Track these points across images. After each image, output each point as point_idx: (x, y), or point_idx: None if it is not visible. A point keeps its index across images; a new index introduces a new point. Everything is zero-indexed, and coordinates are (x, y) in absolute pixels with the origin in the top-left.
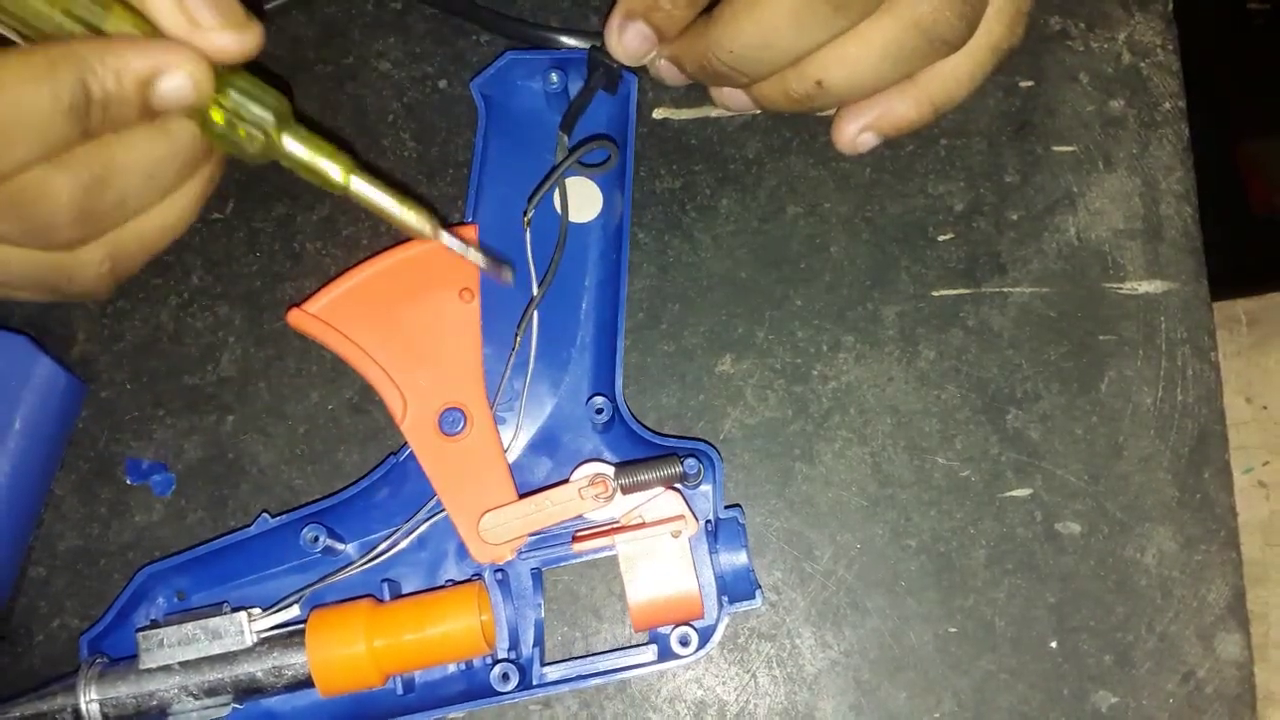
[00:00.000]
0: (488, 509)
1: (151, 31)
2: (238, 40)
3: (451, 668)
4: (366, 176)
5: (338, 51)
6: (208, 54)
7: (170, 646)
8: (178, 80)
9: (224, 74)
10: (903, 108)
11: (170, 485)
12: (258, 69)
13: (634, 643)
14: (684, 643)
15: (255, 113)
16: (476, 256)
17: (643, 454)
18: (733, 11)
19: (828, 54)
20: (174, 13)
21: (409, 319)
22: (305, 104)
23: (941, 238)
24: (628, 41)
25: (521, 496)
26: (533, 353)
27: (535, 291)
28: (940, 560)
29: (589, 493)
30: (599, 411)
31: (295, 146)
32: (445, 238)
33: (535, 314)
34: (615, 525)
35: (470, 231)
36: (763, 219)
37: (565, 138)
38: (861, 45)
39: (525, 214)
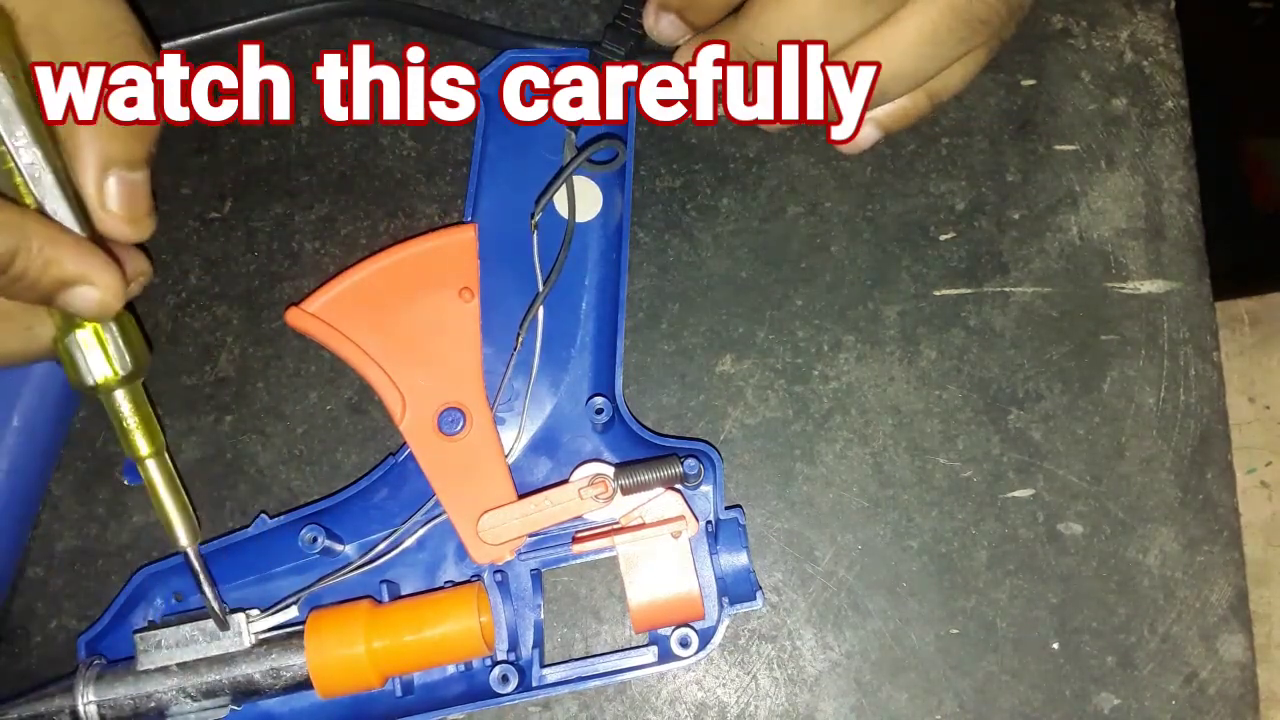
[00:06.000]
0: (487, 509)
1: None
2: (125, 232)
3: (451, 669)
4: (164, 466)
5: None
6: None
7: (168, 648)
8: (89, 295)
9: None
10: (901, 98)
11: None
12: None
13: (634, 644)
14: (684, 644)
15: (110, 356)
16: (209, 594)
17: (643, 454)
18: (762, 5)
19: (864, 46)
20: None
21: (408, 318)
22: (304, 104)
23: (943, 237)
24: (662, 29)
25: (521, 497)
26: (536, 353)
27: (540, 289)
28: (942, 561)
29: (589, 493)
30: (599, 412)
31: (123, 403)
32: (192, 558)
33: (539, 314)
34: (615, 526)
35: (470, 231)
36: (763, 218)
37: (573, 136)
38: (898, 34)
39: (533, 216)
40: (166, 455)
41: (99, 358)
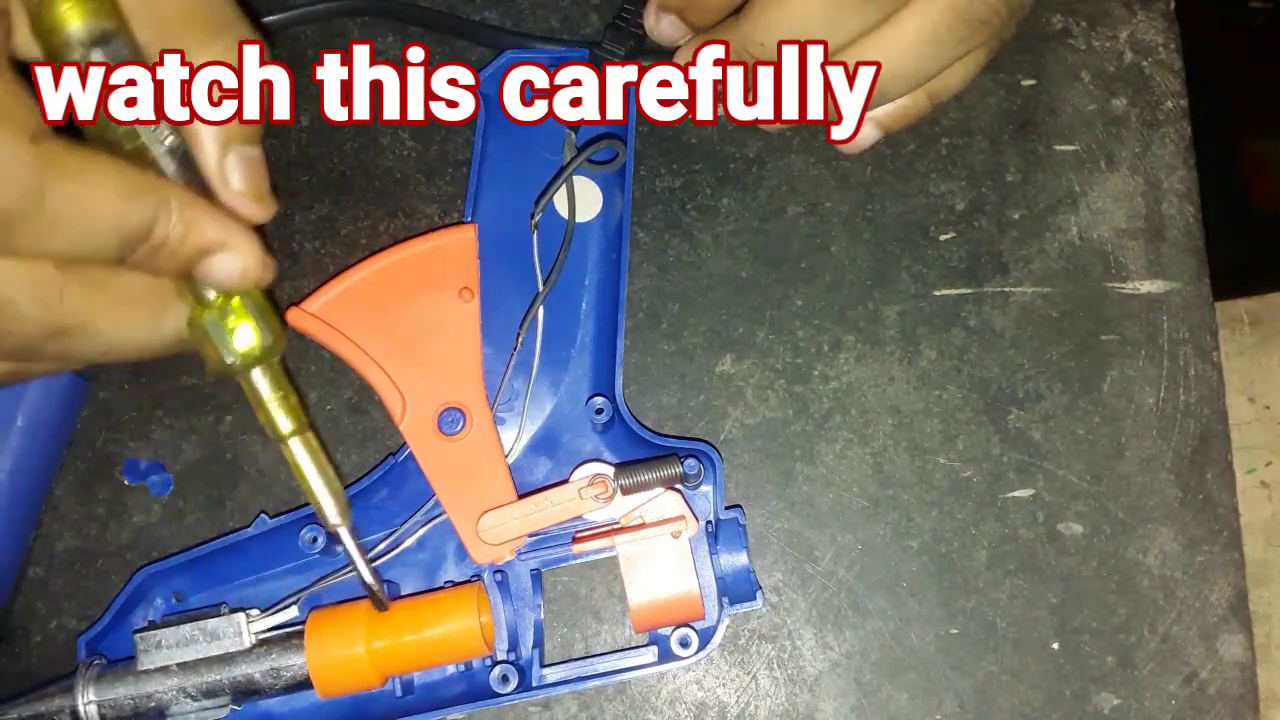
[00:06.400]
0: (487, 509)
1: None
2: (252, 210)
3: (451, 669)
4: (309, 444)
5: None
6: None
7: (168, 648)
8: (232, 263)
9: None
10: (901, 98)
11: (168, 486)
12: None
13: (634, 644)
14: (684, 644)
15: (256, 326)
16: (364, 571)
17: (643, 454)
18: (763, 5)
19: (864, 46)
20: (214, 162)
21: (408, 318)
22: (304, 104)
23: (943, 237)
24: (662, 29)
25: (521, 497)
26: (537, 353)
27: (540, 290)
28: (942, 561)
29: (589, 493)
30: (599, 411)
31: (264, 380)
32: (346, 538)
33: (540, 314)
34: (615, 526)
35: (470, 231)
36: (763, 218)
37: (573, 136)
38: (898, 34)
39: (533, 216)
40: (310, 433)
41: (241, 332)
